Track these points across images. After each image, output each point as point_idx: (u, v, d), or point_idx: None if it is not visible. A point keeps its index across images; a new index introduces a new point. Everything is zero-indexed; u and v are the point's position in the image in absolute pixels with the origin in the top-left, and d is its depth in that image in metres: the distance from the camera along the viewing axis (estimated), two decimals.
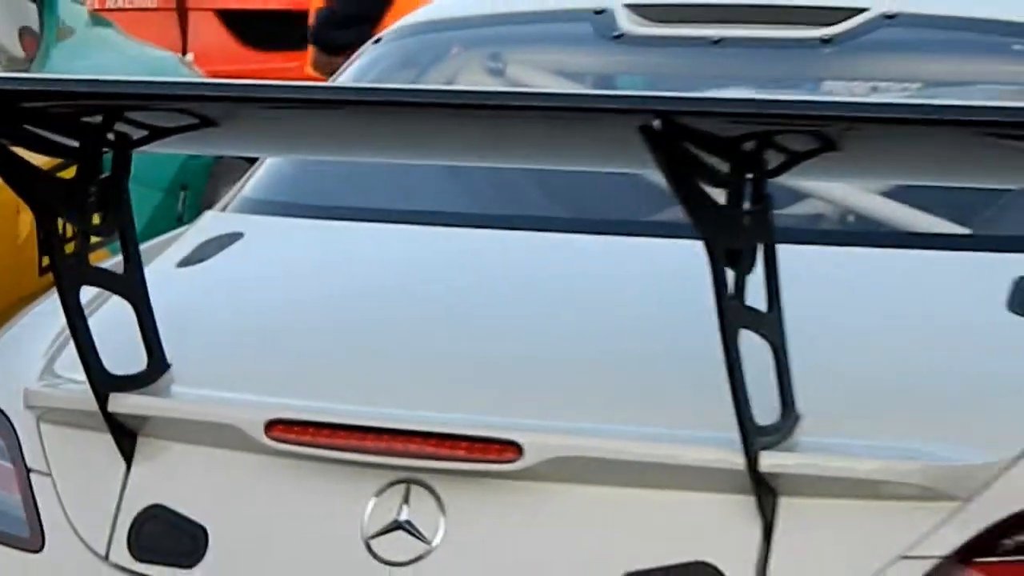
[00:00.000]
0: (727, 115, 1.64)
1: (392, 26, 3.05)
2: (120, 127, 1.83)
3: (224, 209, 2.71)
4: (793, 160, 1.65)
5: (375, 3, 4.55)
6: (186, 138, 1.90)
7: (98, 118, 1.81)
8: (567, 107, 1.75)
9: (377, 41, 2.94)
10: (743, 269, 1.67)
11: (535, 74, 2.77)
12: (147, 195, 3.59)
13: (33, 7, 3.89)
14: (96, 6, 4.91)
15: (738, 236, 1.66)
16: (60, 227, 1.90)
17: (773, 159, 1.65)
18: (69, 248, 1.90)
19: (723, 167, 1.62)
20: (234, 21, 5.87)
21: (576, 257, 2.29)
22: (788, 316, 1.74)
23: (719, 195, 1.63)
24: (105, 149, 1.89)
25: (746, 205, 1.66)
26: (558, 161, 2.22)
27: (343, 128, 1.98)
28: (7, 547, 2.03)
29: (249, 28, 5.82)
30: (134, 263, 1.96)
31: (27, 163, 1.85)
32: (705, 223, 1.62)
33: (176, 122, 1.84)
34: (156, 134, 1.86)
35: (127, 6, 5.32)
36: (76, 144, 1.84)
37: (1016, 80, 2.65)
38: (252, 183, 2.72)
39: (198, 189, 3.95)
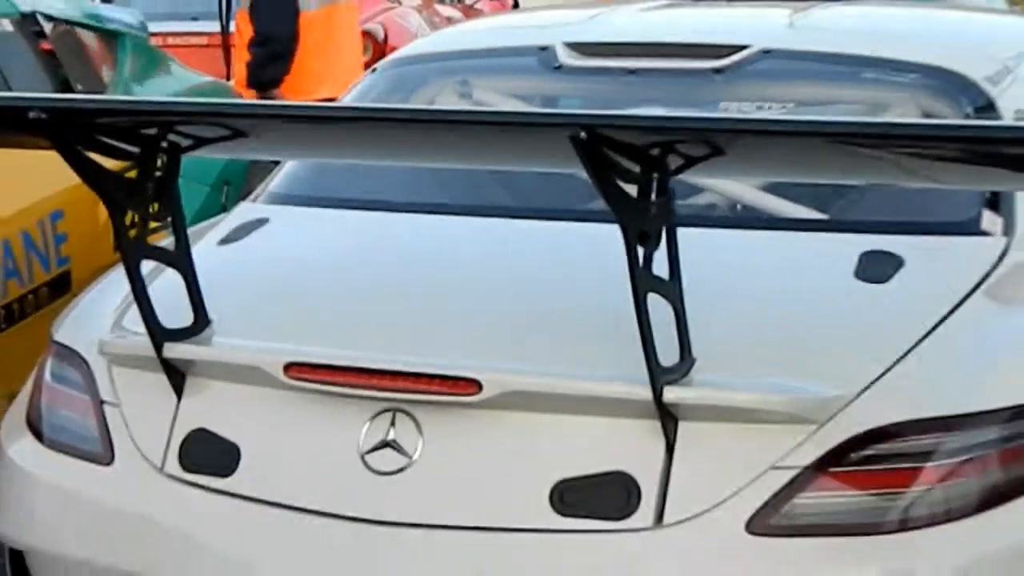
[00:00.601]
0: (637, 128, 1.96)
1: (385, 59, 3.46)
2: (171, 137, 2.13)
3: (255, 200, 3.06)
4: (689, 163, 1.94)
5: (286, 48, 5.26)
6: (222, 146, 2.21)
7: (154, 130, 2.12)
8: (515, 122, 2.10)
9: (373, 71, 3.33)
10: (650, 246, 1.96)
11: (494, 96, 3.12)
12: (198, 190, 4.13)
13: (109, 43, 4.53)
14: (159, 43, 5.45)
15: (646, 221, 1.94)
16: (126, 215, 2.19)
17: (674, 161, 1.93)
18: (133, 232, 2.20)
19: (634, 168, 1.90)
20: None
21: (524, 237, 2.60)
22: (685, 282, 2.04)
23: (632, 189, 1.92)
24: (159, 154, 2.17)
25: (652, 197, 1.94)
26: (508, 163, 2.54)
27: (343, 138, 2.30)
28: (84, 461, 2.36)
29: None
30: (182, 242, 2.28)
31: (99, 166, 2.17)
32: (620, 211, 1.91)
33: (214, 133, 2.17)
34: (199, 143, 2.17)
35: (183, 44, 5.79)
36: (137, 151, 2.14)
37: (863, 101, 2.98)
38: (276, 180, 3.06)
39: (238, 185, 4.42)
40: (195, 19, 6.69)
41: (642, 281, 1.95)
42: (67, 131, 2.14)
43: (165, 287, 2.34)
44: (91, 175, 2.18)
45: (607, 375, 2.08)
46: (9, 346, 3.41)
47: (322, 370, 2.17)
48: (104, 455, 2.34)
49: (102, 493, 2.36)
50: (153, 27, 5.52)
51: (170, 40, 6.15)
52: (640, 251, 1.96)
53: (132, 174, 2.21)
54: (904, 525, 2.02)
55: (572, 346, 2.17)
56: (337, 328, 2.36)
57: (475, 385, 2.08)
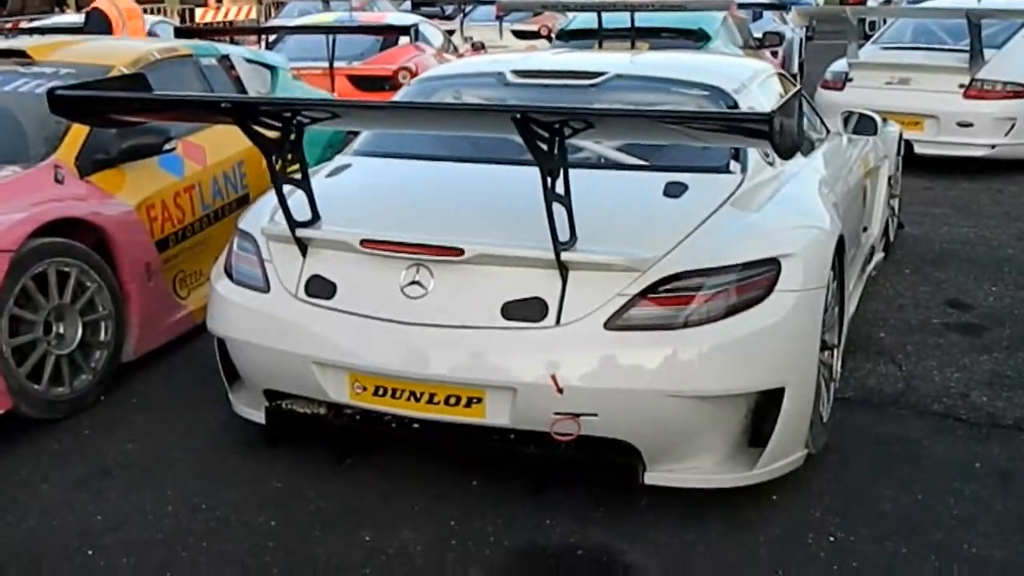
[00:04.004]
0: (548, 112, 2.89)
1: (414, 79, 4.62)
2: (298, 118, 3.13)
3: (344, 154, 4.13)
4: (574, 132, 2.87)
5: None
6: (326, 123, 3.20)
7: (288, 114, 3.15)
8: (483, 109, 3.19)
9: (410, 85, 4.44)
10: (555, 177, 2.93)
11: (472, 99, 4.12)
12: (317, 149, 5.61)
13: (267, 72, 6.08)
14: (296, 73, 7.33)
15: (553, 164, 2.90)
16: (274, 160, 3.24)
17: (567, 130, 2.85)
18: (279, 167, 3.23)
19: (545, 134, 2.83)
20: (353, 78, 9.11)
21: (489, 173, 3.64)
22: (573, 197, 2.99)
23: (544, 146, 2.85)
24: (291, 127, 3.14)
25: (556, 151, 2.86)
26: (480, 132, 3.50)
27: (387, 117, 3.39)
28: (253, 291, 3.40)
29: (360, 80, 9.04)
30: (305, 175, 3.32)
31: (261, 134, 3.21)
32: (538, 158, 2.88)
33: (321, 116, 3.18)
34: (314, 120, 3.18)
35: (308, 73, 8.06)
36: (280, 125, 3.16)
37: (670, 102, 3.92)
38: (356, 142, 4.15)
39: (337, 146, 5.52)
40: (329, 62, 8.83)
41: (549, 196, 2.94)
42: (242, 114, 3.16)
43: (297, 199, 3.36)
44: (256, 138, 3.19)
45: (531, 245, 3.06)
46: (216, 232, 4.87)
47: (380, 243, 3.20)
48: (265, 288, 3.41)
49: (263, 307, 3.38)
50: (294, 64, 7.77)
51: (303, 72, 8.23)
52: (548, 180, 2.93)
53: (277, 137, 3.19)
54: (684, 324, 3.03)
55: (513, 229, 3.15)
56: (388, 220, 3.36)
57: (460, 251, 3.10)
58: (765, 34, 10.60)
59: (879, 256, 5.83)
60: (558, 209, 2.99)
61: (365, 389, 3.25)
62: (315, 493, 3.50)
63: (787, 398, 3.17)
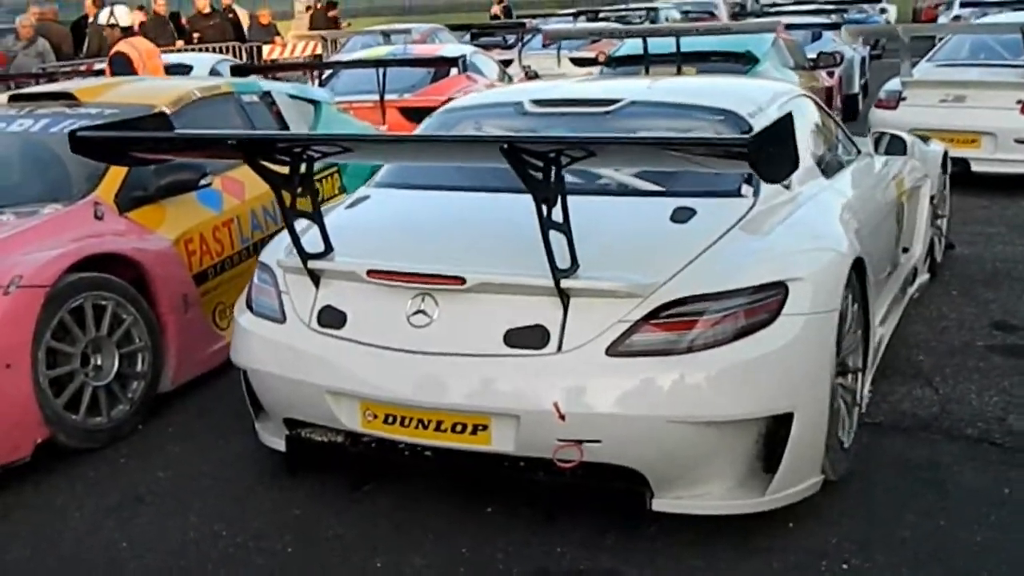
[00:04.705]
0: (535, 142, 2.94)
1: (439, 109, 4.66)
2: (308, 152, 3.22)
3: (366, 185, 4.20)
4: (574, 160, 2.90)
5: None
6: (337, 157, 3.27)
7: (298, 149, 3.24)
8: (479, 141, 3.23)
9: (434, 115, 4.49)
10: (551, 205, 2.94)
11: (491, 128, 4.17)
12: (358, 180, 5.32)
13: (311, 108, 6.19)
14: (347, 107, 7.76)
15: (548, 192, 2.92)
16: (284, 194, 3.31)
17: (564, 160, 2.89)
18: (287, 199, 3.30)
19: (538, 163, 2.85)
20: (404, 110, 9.15)
21: (491, 202, 3.67)
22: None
23: (539, 174, 2.87)
24: (301, 162, 3.23)
25: (552, 178, 2.89)
26: (475, 162, 3.54)
27: (395, 149, 3.45)
28: (271, 322, 3.48)
29: (411, 112, 8.97)
30: (316, 208, 3.39)
31: (270, 168, 3.29)
32: (530, 186, 2.90)
33: (333, 150, 3.28)
34: (324, 155, 3.28)
35: (360, 106, 8.36)
36: (290, 160, 3.26)
37: (685, 128, 3.92)
38: (377, 175, 4.20)
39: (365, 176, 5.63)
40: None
41: (545, 224, 2.96)
42: (248, 151, 3.24)
43: (310, 234, 3.45)
44: (264, 173, 3.28)
45: (531, 274, 3.09)
46: (251, 264, 4.80)
47: (386, 273, 3.25)
48: (281, 319, 3.49)
49: (280, 338, 3.46)
50: (347, 98, 8.35)
51: (354, 105, 8.54)
52: (544, 208, 2.95)
53: (286, 172, 3.29)
54: (688, 350, 3.01)
55: (513, 259, 3.17)
56: (396, 250, 3.41)
57: (463, 280, 3.14)
58: (820, 54, 10.47)
59: (923, 277, 5.72)
60: (558, 237, 3.01)
61: (376, 417, 3.30)
62: (333, 520, 3.55)
63: (796, 423, 3.13)
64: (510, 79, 11.68)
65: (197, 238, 4.90)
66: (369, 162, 4.15)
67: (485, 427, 3.15)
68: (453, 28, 17.44)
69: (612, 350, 3.05)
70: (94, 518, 3.70)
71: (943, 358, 4.84)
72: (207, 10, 15.72)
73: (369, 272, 3.27)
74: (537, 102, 4.26)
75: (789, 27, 11.10)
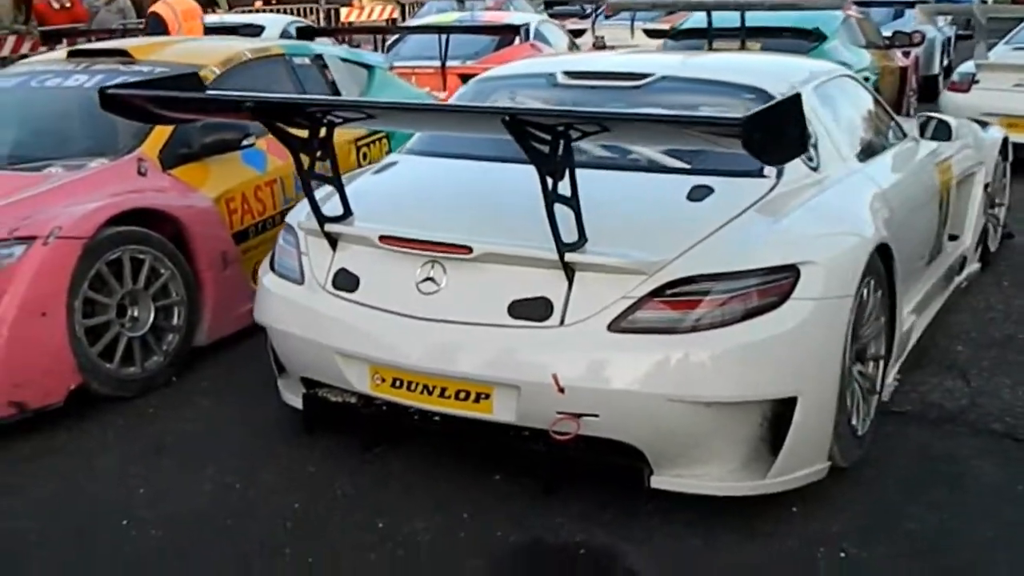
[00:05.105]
0: (540, 114, 2.93)
1: (473, 78, 4.63)
2: (329, 117, 3.24)
3: (397, 152, 4.24)
4: (583, 135, 2.89)
5: None
6: (360, 123, 3.32)
7: (318, 114, 3.25)
8: (476, 111, 3.20)
9: (468, 84, 4.48)
10: (556, 179, 2.90)
11: (524, 99, 4.15)
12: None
13: (364, 72, 6.23)
14: (408, 72, 7.85)
15: (552, 165, 2.90)
16: (303, 158, 3.34)
17: (574, 133, 2.86)
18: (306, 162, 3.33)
19: (543, 135, 2.82)
20: (464, 77, 8.61)
21: (501, 172, 3.64)
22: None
23: (544, 147, 2.84)
24: (321, 126, 3.26)
25: (559, 151, 2.85)
26: (477, 133, 3.55)
27: (414, 117, 3.47)
28: (291, 283, 3.53)
29: (469, 79, 8.41)
30: (335, 172, 3.43)
31: (289, 132, 3.31)
32: (533, 159, 2.88)
33: (356, 116, 3.31)
34: (346, 120, 3.30)
35: (421, 72, 8.43)
36: (308, 123, 3.27)
37: (714, 104, 3.83)
38: (410, 141, 4.22)
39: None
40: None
41: (551, 196, 2.94)
42: (265, 114, 3.27)
43: (332, 195, 3.50)
44: (283, 137, 3.31)
45: (537, 246, 3.08)
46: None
47: (397, 240, 3.28)
48: (300, 280, 3.56)
49: (298, 298, 3.52)
50: (410, 63, 8.36)
51: (416, 70, 8.54)
52: (550, 181, 2.93)
53: (305, 135, 3.32)
54: (691, 329, 2.99)
55: (523, 230, 3.16)
56: (411, 217, 3.45)
57: (469, 249, 3.16)
58: (895, 33, 10.19)
59: (974, 267, 5.58)
60: (564, 210, 2.99)
61: (384, 380, 3.34)
62: (346, 479, 3.61)
63: (800, 408, 3.09)
64: (578, 49, 11.60)
65: (239, 197, 4.99)
66: (388, 128, 4.19)
67: (488, 396, 3.18)
68: None
69: (615, 326, 3.04)
70: (119, 464, 3.82)
71: (982, 350, 4.73)
72: None
73: (381, 237, 3.31)
74: (569, 74, 4.24)
75: (868, 4, 10.80)
